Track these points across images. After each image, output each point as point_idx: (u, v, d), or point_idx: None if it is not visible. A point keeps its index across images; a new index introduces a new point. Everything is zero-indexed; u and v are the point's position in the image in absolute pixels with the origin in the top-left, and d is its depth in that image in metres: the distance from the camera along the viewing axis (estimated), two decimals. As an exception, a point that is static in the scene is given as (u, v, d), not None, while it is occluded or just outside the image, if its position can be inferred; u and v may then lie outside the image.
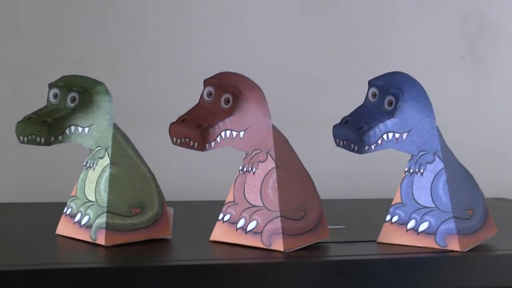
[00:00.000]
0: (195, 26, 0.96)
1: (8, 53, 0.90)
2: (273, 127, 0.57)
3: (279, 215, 0.55)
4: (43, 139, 0.60)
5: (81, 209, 0.58)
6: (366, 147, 0.61)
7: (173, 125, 0.58)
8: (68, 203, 0.59)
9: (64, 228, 0.59)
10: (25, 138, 0.58)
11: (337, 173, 0.96)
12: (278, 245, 0.54)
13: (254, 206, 0.56)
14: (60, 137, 0.60)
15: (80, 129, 0.60)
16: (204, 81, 0.57)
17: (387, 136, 0.60)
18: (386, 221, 0.59)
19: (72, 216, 0.58)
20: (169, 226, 0.59)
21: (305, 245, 0.55)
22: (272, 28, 0.98)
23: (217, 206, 0.60)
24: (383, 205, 0.64)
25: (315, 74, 0.98)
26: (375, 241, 0.59)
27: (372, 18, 1.01)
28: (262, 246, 0.55)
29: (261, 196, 0.56)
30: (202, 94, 0.57)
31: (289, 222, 0.55)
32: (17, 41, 0.90)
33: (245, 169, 0.58)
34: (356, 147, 0.61)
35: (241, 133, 0.59)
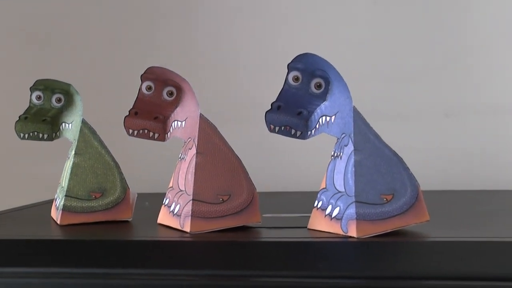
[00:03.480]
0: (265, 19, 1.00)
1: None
2: (201, 115, 0.60)
3: (191, 198, 0.57)
4: (46, 135, 0.71)
5: (59, 194, 0.67)
6: (309, 132, 0.60)
7: (127, 118, 0.64)
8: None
9: (52, 211, 0.69)
10: (26, 135, 0.70)
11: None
12: (187, 226, 0.57)
13: (181, 190, 0.60)
14: (58, 133, 0.71)
15: (67, 125, 0.69)
16: (141, 76, 0.62)
17: (321, 120, 0.59)
18: (313, 207, 0.57)
19: (55, 199, 0.68)
20: (129, 210, 0.65)
21: (223, 228, 0.57)
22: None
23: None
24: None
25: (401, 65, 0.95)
26: (306, 227, 0.58)
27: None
28: (179, 227, 0.58)
29: (184, 181, 0.59)
30: (140, 89, 0.63)
31: (203, 205, 0.57)
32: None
33: (181, 156, 0.62)
34: (298, 133, 0.60)
35: (183, 123, 0.63)
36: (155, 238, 0.58)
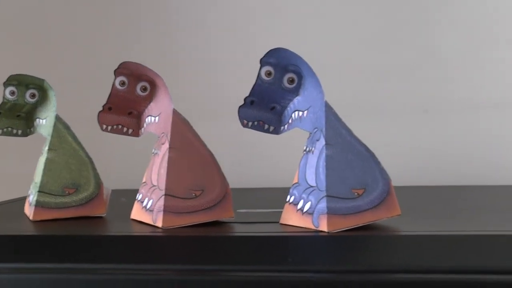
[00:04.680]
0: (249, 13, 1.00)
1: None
2: (174, 111, 0.60)
3: (164, 193, 0.57)
4: (20, 131, 0.70)
5: (32, 189, 0.67)
6: (282, 127, 0.60)
7: (101, 113, 0.64)
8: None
9: (26, 207, 0.69)
10: (0, 131, 0.69)
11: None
12: (159, 221, 0.57)
13: (153, 186, 0.60)
14: (32, 129, 0.70)
15: (41, 121, 0.69)
16: (115, 71, 0.62)
17: (294, 115, 0.59)
18: (286, 202, 0.57)
19: (29, 196, 0.68)
20: (103, 205, 0.65)
21: (195, 223, 0.57)
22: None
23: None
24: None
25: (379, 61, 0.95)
26: (278, 222, 0.58)
27: None
28: (151, 222, 0.58)
29: (157, 176, 0.59)
30: (114, 84, 0.62)
31: (175, 200, 0.57)
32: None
33: (154, 151, 0.62)
34: (271, 128, 0.60)
35: (156, 118, 0.63)
36: (127, 233, 0.57)
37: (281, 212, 0.58)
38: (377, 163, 0.54)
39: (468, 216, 0.62)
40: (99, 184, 0.65)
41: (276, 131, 0.60)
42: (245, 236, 0.53)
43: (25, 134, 0.70)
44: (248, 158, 0.96)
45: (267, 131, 0.60)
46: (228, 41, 1.00)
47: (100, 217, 0.65)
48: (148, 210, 0.59)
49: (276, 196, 0.79)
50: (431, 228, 0.54)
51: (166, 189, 0.57)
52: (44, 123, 0.68)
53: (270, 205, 0.67)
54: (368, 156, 0.55)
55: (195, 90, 0.97)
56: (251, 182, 0.91)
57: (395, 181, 0.55)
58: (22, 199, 0.80)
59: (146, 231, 0.56)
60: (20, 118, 0.70)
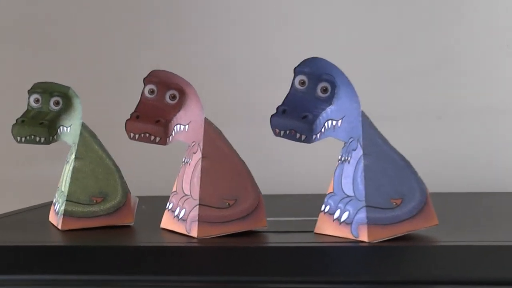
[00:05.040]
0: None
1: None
2: (206, 119, 0.59)
3: (198, 203, 0.57)
4: (43, 139, 0.69)
5: (58, 198, 0.66)
6: (313, 136, 0.60)
7: (129, 121, 0.63)
8: (55, 194, 0.69)
9: (50, 215, 0.68)
10: (23, 138, 0.68)
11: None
12: (194, 231, 0.56)
13: (186, 195, 0.59)
14: (55, 137, 0.70)
15: (65, 129, 0.68)
16: (144, 79, 0.62)
17: (327, 124, 0.58)
18: (321, 211, 0.57)
19: (54, 204, 0.67)
20: (131, 214, 0.64)
21: (230, 233, 0.57)
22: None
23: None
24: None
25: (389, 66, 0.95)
26: (313, 231, 0.58)
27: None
28: (185, 232, 0.58)
29: (190, 186, 0.59)
30: (143, 92, 0.62)
31: (210, 210, 0.57)
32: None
33: (185, 160, 0.61)
34: (303, 137, 0.60)
35: (186, 127, 0.62)
36: (162, 243, 0.57)
37: (312, 220, 0.58)
38: (414, 172, 0.54)
39: (489, 223, 0.63)
40: (126, 193, 0.65)
41: (308, 140, 0.60)
42: (284, 247, 0.53)
43: (48, 142, 0.70)
44: (269, 165, 0.96)
45: (299, 140, 0.60)
46: (251, 49, 1.00)
47: (128, 226, 0.64)
48: (181, 220, 0.59)
49: (299, 203, 0.79)
50: (470, 238, 0.54)
51: (200, 198, 0.57)
52: (69, 131, 0.68)
53: (295, 213, 0.67)
54: (404, 166, 0.55)
55: (220, 98, 0.97)
56: (272, 189, 0.91)
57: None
58: (43, 206, 0.79)
59: (181, 242, 0.56)
60: (43, 126, 0.69)
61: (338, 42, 0.97)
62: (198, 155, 0.59)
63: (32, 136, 0.69)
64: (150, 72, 0.61)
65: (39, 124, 0.69)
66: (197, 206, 0.57)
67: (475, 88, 0.94)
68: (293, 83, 0.58)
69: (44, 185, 0.82)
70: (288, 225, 0.62)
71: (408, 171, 0.54)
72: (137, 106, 0.63)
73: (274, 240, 0.56)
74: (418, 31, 0.95)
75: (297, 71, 0.58)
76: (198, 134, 0.60)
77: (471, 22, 0.94)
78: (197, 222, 0.56)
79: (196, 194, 0.58)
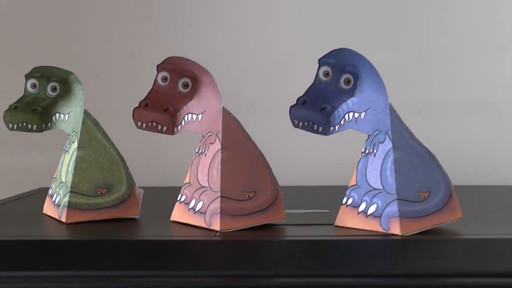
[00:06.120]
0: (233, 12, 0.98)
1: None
2: (224, 109, 0.58)
3: (219, 195, 0.55)
4: (35, 126, 0.65)
5: (57, 189, 0.63)
6: (331, 128, 0.59)
7: (136, 110, 0.61)
8: (51, 185, 0.65)
9: (46, 207, 0.64)
10: (15, 126, 0.64)
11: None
12: (215, 224, 0.55)
13: (202, 187, 0.57)
14: (49, 124, 0.66)
15: (62, 116, 0.65)
16: (157, 66, 0.59)
17: (348, 116, 0.58)
18: (342, 204, 0.57)
19: (52, 196, 0.63)
20: (137, 206, 0.62)
21: (250, 226, 0.55)
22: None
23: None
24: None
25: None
26: (333, 224, 0.57)
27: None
28: (204, 225, 0.56)
29: (208, 177, 0.57)
30: (156, 79, 0.59)
31: (231, 203, 0.55)
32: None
33: (200, 151, 0.59)
34: (320, 128, 0.59)
35: (199, 116, 0.60)
36: (185, 237, 0.54)
37: (325, 213, 0.58)
38: (439, 165, 0.55)
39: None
40: (131, 184, 0.62)
41: (325, 132, 0.59)
42: (317, 240, 0.52)
43: (40, 130, 0.66)
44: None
45: (316, 131, 0.59)
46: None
47: (133, 219, 0.62)
48: (198, 212, 0.57)
49: (301, 195, 0.78)
50: (494, 231, 0.55)
51: (222, 190, 0.55)
52: (67, 118, 0.64)
53: (303, 205, 0.66)
54: (429, 159, 0.55)
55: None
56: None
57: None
58: (28, 196, 0.75)
59: (205, 235, 0.54)
60: (36, 113, 0.65)
61: (316, 39, 0.96)
62: (217, 145, 0.57)
63: (25, 123, 0.65)
64: (165, 59, 0.58)
65: (31, 111, 0.65)
66: (219, 199, 0.55)
67: (455, 84, 0.95)
68: (317, 74, 0.57)
69: (23, 174, 0.78)
70: (304, 217, 0.61)
71: (433, 164, 0.55)
72: (148, 93, 0.60)
73: (296, 234, 0.55)
74: (397, 27, 0.96)
75: (321, 61, 0.57)
76: (215, 124, 0.58)
77: (451, 18, 0.96)
78: (219, 215, 0.54)
79: (216, 186, 0.56)
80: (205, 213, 0.56)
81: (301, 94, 0.58)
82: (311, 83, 0.57)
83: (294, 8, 0.98)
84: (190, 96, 0.61)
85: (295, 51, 0.96)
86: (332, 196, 0.76)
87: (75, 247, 0.53)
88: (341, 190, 0.58)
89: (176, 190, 0.62)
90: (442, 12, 0.96)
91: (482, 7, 0.95)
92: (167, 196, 0.69)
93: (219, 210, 0.55)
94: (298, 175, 0.92)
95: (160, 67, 0.59)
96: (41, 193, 0.85)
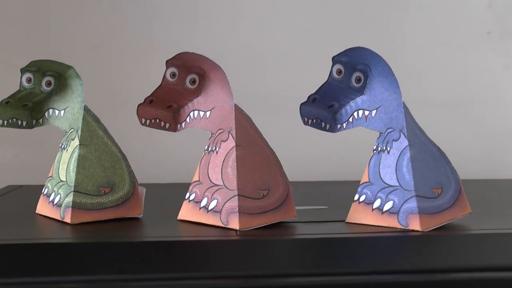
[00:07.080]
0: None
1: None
2: (236, 106, 0.57)
3: (236, 194, 0.55)
4: (25, 122, 0.62)
5: (55, 189, 0.60)
6: (338, 126, 0.60)
7: (141, 106, 0.59)
8: (46, 184, 0.62)
9: (41, 207, 0.62)
10: (5, 122, 0.61)
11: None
12: (234, 223, 0.54)
13: (215, 185, 0.57)
14: (40, 120, 0.63)
15: (57, 112, 0.62)
16: (166, 62, 0.58)
17: (358, 114, 0.59)
18: (354, 201, 0.58)
19: (48, 195, 0.61)
20: (140, 205, 0.60)
21: (265, 224, 0.55)
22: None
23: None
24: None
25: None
26: (343, 221, 0.58)
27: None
28: (220, 224, 0.55)
29: (221, 175, 0.56)
30: (164, 75, 0.58)
31: (248, 201, 0.55)
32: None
33: (210, 148, 0.58)
34: (327, 126, 0.60)
35: (207, 113, 0.59)
36: (200, 237, 0.53)
37: (325, 209, 0.58)
38: (448, 162, 0.56)
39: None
40: (133, 182, 0.60)
41: (332, 129, 0.60)
42: (340, 238, 0.52)
43: (30, 126, 0.63)
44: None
45: (324, 129, 0.60)
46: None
47: (137, 218, 0.60)
48: (212, 211, 0.56)
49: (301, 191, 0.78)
50: (502, 225, 0.57)
51: (238, 189, 0.55)
52: (62, 114, 0.61)
53: (307, 202, 0.66)
54: (440, 156, 0.56)
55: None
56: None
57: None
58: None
59: (224, 235, 0.53)
60: (26, 108, 0.62)
61: (288, 37, 0.97)
62: (230, 143, 0.56)
63: (15, 120, 0.62)
64: (176, 55, 0.57)
65: (21, 107, 0.61)
66: (236, 197, 0.54)
67: (421, 81, 0.98)
68: (331, 72, 0.57)
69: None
70: (316, 215, 0.61)
71: (444, 161, 0.56)
72: (155, 90, 0.58)
73: (308, 231, 0.55)
74: (365, 26, 0.98)
75: (335, 60, 0.57)
76: (226, 121, 0.57)
77: (415, 17, 0.99)
78: (237, 214, 0.54)
79: (231, 184, 0.55)
80: (220, 211, 0.55)
81: (313, 92, 0.58)
82: (324, 81, 0.57)
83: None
84: (196, 92, 0.60)
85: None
86: (330, 192, 0.77)
87: (83, 250, 0.51)
88: (340, 186, 0.59)
89: (175, 187, 0.61)
90: (406, 10, 0.99)
91: (446, 6, 0.98)
92: (167, 193, 0.68)
93: (237, 209, 0.54)
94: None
95: (169, 63, 0.58)
96: (14, 192, 0.81)
